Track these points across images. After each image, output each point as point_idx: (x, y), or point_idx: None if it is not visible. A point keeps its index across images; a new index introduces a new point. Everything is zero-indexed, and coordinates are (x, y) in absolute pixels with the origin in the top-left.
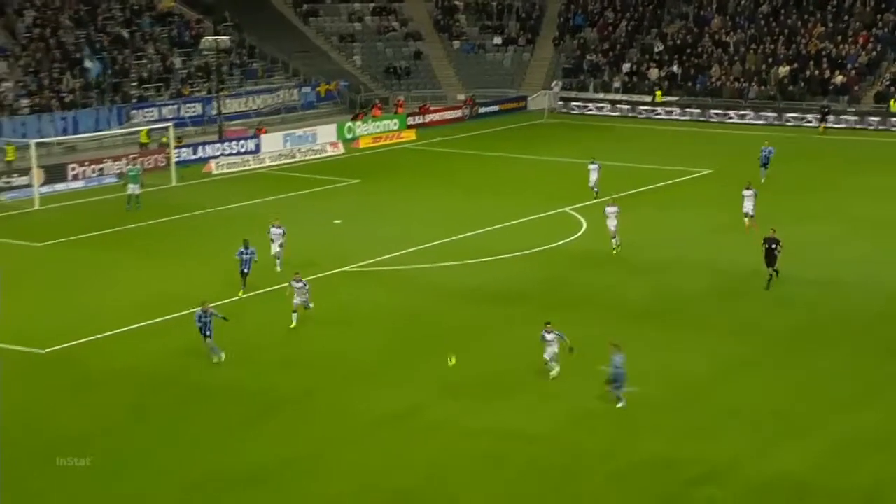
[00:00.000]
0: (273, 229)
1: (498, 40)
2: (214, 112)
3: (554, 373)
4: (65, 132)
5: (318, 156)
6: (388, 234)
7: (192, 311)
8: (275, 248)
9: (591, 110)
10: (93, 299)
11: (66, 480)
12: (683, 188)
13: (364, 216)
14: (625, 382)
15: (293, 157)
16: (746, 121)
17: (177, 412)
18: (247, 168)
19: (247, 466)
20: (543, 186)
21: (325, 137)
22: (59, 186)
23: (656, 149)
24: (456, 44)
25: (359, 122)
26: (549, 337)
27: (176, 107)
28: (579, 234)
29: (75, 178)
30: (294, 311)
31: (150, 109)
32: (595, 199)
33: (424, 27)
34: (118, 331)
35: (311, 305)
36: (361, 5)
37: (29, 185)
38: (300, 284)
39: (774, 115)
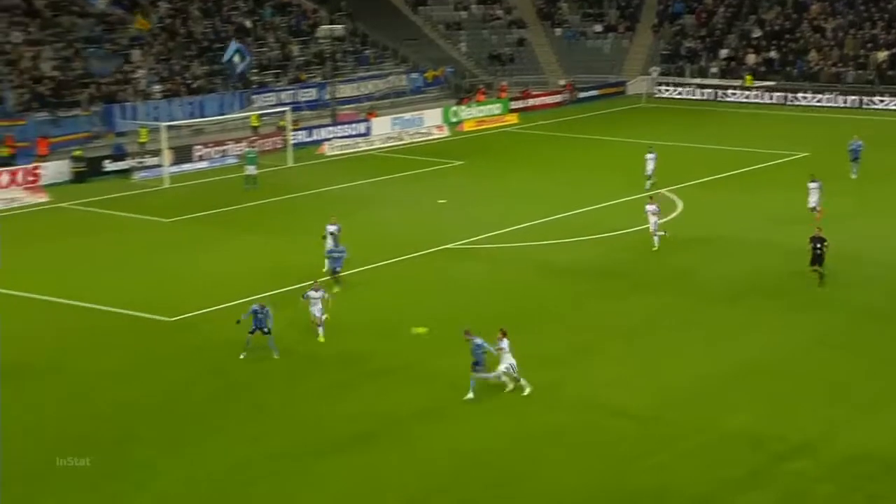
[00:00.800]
0: (329, 227)
1: (598, 27)
2: (328, 97)
3: (511, 386)
4: (192, 116)
5: (424, 138)
6: (490, 214)
7: (305, 284)
8: (329, 245)
9: (687, 95)
10: (214, 272)
11: (183, 443)
12: (777, 171)
13: (467, 196)
14: (484, 367)
15: (401, 139)
16: (843, 104)
17: (288, 379)
18: (357, 150)
19: (350, 429)
20: (640, 168)
21: (431, 121)
22: (186, 166)
23: (750, 132)
24: (558, 31)
25: (463, 107)
26: (502, 345)
27: (293, 92)
28: (674, 215)
29: (200, 158)
30: (318, 325)
31: (269, 95)
32: (648, 190)
33: (528, 15)
34: (236, 302)
35: (325, 316)
36: None
37: (159, 165)
38: (318, 294)
39: (872, 98)
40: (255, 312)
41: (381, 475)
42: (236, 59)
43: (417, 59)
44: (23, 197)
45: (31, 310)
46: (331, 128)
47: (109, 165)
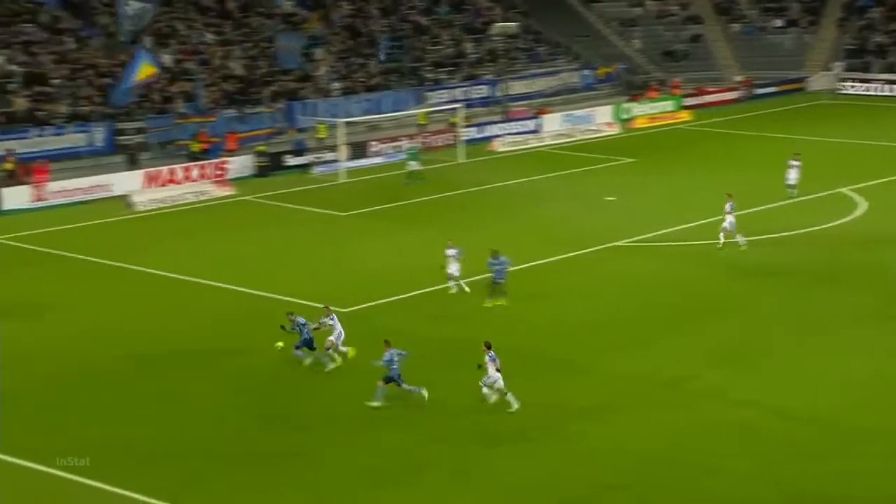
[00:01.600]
0: (448, 251)
1: (779, 22)
2: (500, 94)
3: (493, 399)
4: (368, 112)
5: (594, 135)
6: (660, 211)
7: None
8: (451, 269)
9: (873, 92)
10: (386, 265)
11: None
12: None
13: (637, 193)
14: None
15: (571, 136)
16: None
17: (460, 371)
18: (527, 146)
19: (515, 421)
20: (819, 167)
21: (601, 118)
22: (362, 161)
23: None
24: (735, 26)
25: (635, 104)
26: (487, 358)
27: (465, 89)
28: (855, 215)
29: (375, 154)
30: (332, 350)
31: (443, 92)
32: (790, 199)
33: (704, 11)
34: (406, 294)
35: (345, 349)
36: None
37: (336, 161)
38: (331, 321)
39: None
40: (301, 325)
41: (549, 469)
42: (382, 56)
43: (589, 56)
44: (211, 190)
45: (217, 297)
46: (502, 124)
47: (290, 160)
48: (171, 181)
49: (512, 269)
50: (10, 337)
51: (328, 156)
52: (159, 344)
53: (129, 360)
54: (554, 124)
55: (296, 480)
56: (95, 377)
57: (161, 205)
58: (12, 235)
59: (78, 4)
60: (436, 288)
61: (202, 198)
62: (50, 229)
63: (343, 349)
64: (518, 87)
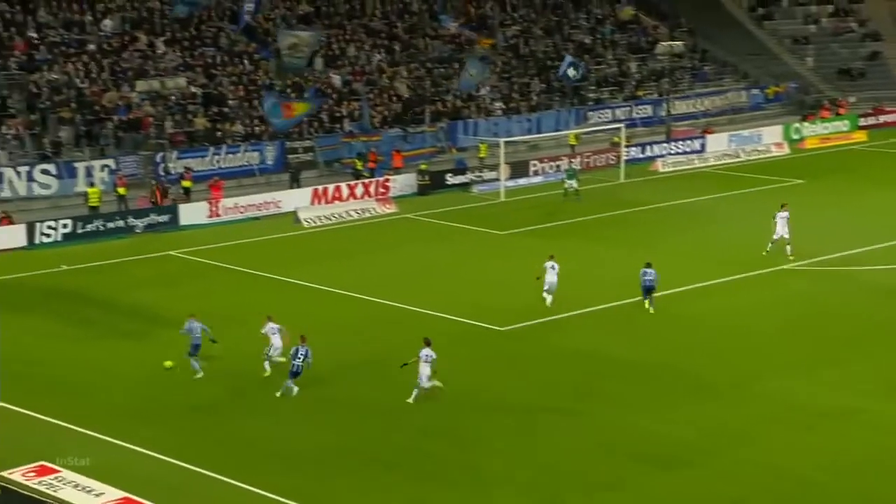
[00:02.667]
0: (547, 263)
1: None
2: (664, 113)
3: (413, 395)
4: (529, 132)
5: (762, 156)
6: (831, 234)
7: (619, 303)
8: (550, 279)
9: None
10: (537, 285)
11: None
12: None
13: (807, 216)
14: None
15: (737, 156)
16: None
17: (617, 389)
18: (691, 167)
19: (671, 443)
20: None
21: (770, 138)
22: (522, 181)
23: None
24: None
25: (806, 123)
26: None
27: (628, 108)
28: None
29: (535, 173)
30: (266, 360)
31: (605, 111)
32: (767, 252)
33: (885, 27)
34: (564, 315)
35: (280, 359)
36: (819, 7)
37: (497, 180)
38: (272, 333)
39: None
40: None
41: (709, 492)
42: (570, 72)
43: (759, 75)
44: (375, 207)
45: (378, 312)
46: (665, 144)
47: (451, 179)
48: (337, 198)
49: (676, 289)
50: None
51: (488, 175)
52: (328, 356)
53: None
54: (720, 144)
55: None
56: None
57: (327, 221)
58: (188, 250)
59: (254, 28)
60: (589, 310)
61: (366, 215)
62: (222, 244)
63: (276, 360)
64: (682, 107)
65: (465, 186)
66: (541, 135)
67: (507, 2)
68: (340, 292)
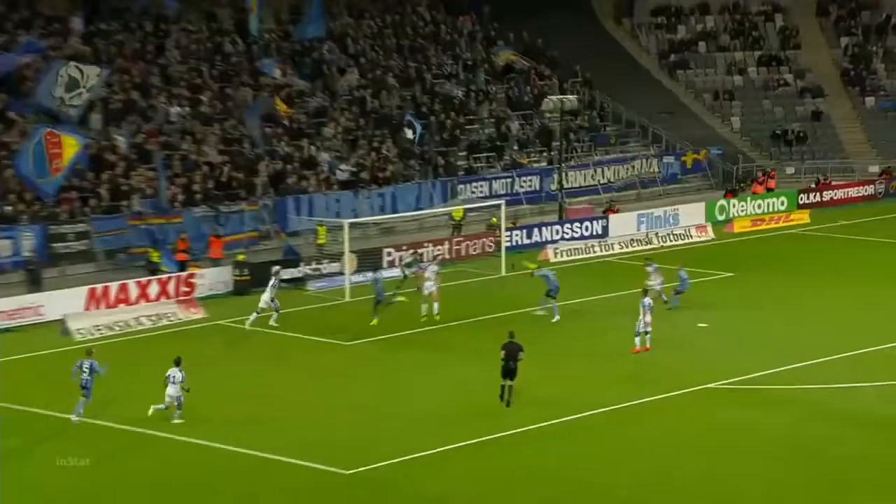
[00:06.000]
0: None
1: None
2: (555, 187)
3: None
4: (382, 211)
5: (679, 241)
6: (767, 343)
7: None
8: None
9: None
10: (404, 412)
11: None
12: None
13: (737, 319)
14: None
15: (649, 242)
16: None
17: None
18: (591, 255)
19: None
20: None
21: (689, 219)
22: (371, 275)
23: None
24: (870, 101)
25: (734, 201)
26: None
27: (509, 180)
28: None
29: (391, 264)
30: (163, 406)
31: (480, 183)
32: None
33: (828, 81)
34: (432, 451)
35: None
36: (745, 54)
37: (340, 273)
38: (178, 374)
39: None
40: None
41: None
42: (408, 133)
43: (673, 138)
44: (175, 312)
45: (183, 457)
46: (557, 227)
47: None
48: (123, 301)
49: (566, 418)
50: None
51: (329, 267)
52: None
53: None
54: (626, 227)
55: None
56: None
57: (108, 332)
58: None
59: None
60: (458, 445)
61: (163, 322)
62: None
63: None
64: (578, 179)
65: (298, 282)
66: (396, 215)
67: (349, 44)
68: (127, 429)
